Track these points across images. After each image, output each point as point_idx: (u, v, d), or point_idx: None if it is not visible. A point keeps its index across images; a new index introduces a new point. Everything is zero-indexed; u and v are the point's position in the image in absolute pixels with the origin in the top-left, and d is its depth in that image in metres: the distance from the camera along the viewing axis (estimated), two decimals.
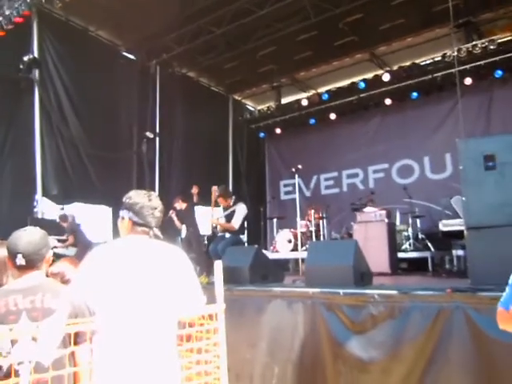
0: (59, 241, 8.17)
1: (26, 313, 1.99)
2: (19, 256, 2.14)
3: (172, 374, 2.18)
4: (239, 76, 11.81)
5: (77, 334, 1.97)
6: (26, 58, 8.09)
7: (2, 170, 7.92)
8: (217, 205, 7.71)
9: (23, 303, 2.01)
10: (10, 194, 7.92)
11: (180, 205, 8.53)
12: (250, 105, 13.85)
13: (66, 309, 2.04)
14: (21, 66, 8.09)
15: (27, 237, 2.20)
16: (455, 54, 9.43)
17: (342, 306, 4.08)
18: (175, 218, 8.61)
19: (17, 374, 1.85)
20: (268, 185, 13.71)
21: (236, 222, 7.05)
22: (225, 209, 7.43)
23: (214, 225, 7.99)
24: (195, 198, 8.43)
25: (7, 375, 1.86)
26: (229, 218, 7.23)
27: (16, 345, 1.88)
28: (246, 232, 7.78)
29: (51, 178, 8.45)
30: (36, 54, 8.37)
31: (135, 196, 2.37)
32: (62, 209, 8.99)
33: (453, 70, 9.11)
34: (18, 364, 1.86)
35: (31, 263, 2.16)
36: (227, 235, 7.20)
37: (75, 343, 1.96)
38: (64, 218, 8.51)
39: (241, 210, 7.17)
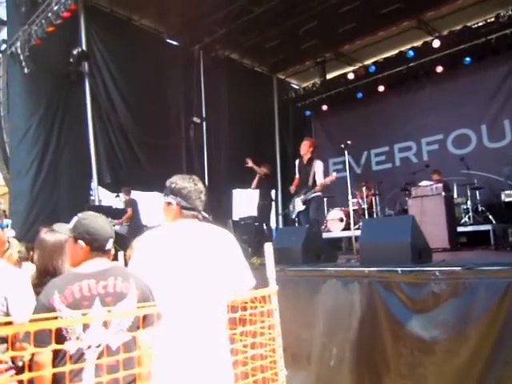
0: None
1: (99, 298, 2.01)
2: (110, 241, 2.18)
3: (223, 357, 2.18)
4: (282, 54, 11.62)
5: (144, 318, 1.98)
6: (75, 52, 8.29)
7: (59, 159, 8.33)
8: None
9: (96, 288, 2.02)
10: (67, 182, 8.33)
11: (266, 171, 8.95)
12: (294, 83, 13.60)
13: (136, 293, 2.07)
14: (70, 60, 8.31)
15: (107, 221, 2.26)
16: (510, 12, 8.83)
17: (400, 285, 3.93)
18: (257, 170, 8.90)
19: (83, 358, 1.91)
20: None
21: None
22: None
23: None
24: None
25: (77, 360, 1.91)
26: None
27: (87, 330, 1.94)
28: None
29: (104, 167, 8.70)
30: (84, 47, 8.55)
31: (181, 181, 2.36)
32: (117, 196, 9.24)
33: (508, 31, 8.56)
34: (87, 348, 1.94)
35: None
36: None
37: (143, 327, 1.98)
38: (128, 191, 8.93)
39: None
